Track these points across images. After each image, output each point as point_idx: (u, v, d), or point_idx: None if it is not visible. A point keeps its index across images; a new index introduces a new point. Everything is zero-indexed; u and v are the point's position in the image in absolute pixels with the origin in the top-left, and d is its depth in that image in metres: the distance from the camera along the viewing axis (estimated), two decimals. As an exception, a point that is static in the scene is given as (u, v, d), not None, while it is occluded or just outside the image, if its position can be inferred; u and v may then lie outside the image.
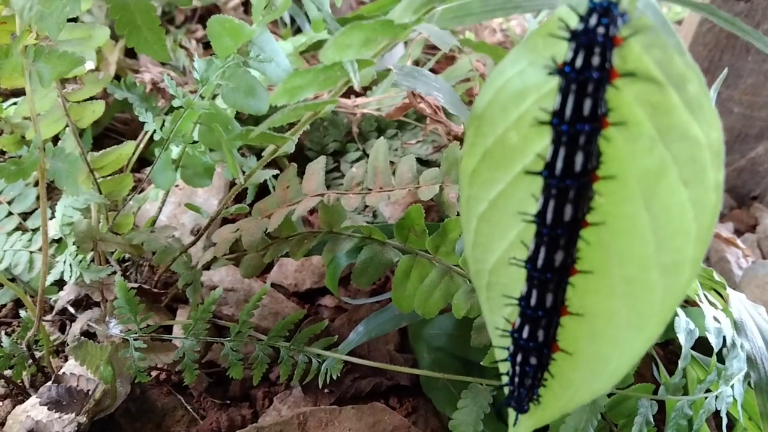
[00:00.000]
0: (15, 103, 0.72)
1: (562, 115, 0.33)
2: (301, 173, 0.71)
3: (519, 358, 0.39)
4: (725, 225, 1.15)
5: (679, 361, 0.62)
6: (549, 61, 0.33)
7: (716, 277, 0.68)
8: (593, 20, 0.32)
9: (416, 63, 1.28)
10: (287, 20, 1.34)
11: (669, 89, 0.33)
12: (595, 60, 0.32)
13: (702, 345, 0.67)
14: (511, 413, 0.42)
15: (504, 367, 0.41)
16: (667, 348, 0.81)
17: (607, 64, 0.32)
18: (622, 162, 0.34)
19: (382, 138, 0.74)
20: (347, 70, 0.42)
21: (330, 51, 0.39)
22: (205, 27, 1.19)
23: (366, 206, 0.75)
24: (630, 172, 0.34)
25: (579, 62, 0.32)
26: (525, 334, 0.38)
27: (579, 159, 0.33)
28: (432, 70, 1.25)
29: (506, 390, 0.41)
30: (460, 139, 0.95)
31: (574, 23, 0.32)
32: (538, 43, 0.36)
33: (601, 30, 0.31)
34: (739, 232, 1.15)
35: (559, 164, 0.34)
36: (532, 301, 0.37)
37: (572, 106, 0.32)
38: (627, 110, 0.34)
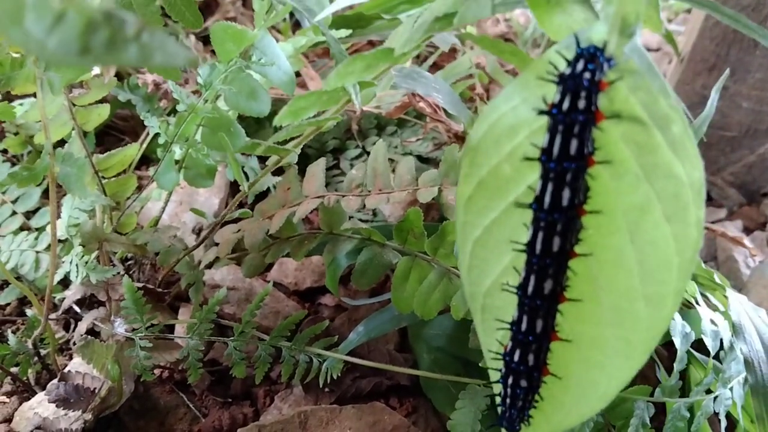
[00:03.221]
0: (21, 104, 0.72)
1: (550, 153, 0.34)
2: (300, 171, 0.71)
3: (510, 380, 0.41)
4: (734, 223, 1.13)
5: (675, 364, 0.63)
6: (540, 100, 0.35)
7: (717, 279, 0.68)
8: (580, 65, 0.33)
9: (418, 57, 1.28)
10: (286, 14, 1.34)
11: (654, 130, 0.34)
12: (581, 103, 0.33)
13: (704, 346, 0.67)
14: None
15: (497, 388, 0.43)
16: (671, 349, 0.82)
17: (593, 108, 0.33)
18: (608, 197, 0.36)
19: (381, 140, 0.74)
20: (349, 92, 0.43)
21: (333, 80, 0.40)
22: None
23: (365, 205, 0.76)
24: (616, 207, 0.36)
25: (566, 105, 0.33)
26: (516, 358, 0.40)
27: (566, 194, 0.35)
28: (435, 64, 1.25)
29: (499, 410, 0.42)
30: (460, 137, 0.95)
31: (563, 67, 0.34)
32: (530, 82, 0.37)
33: (587, 75, 0.33)
34: (748, 230, 1.13)
35: (547, 198, 0.35)
36: (523, 327, 0.39)
37: (559, 145, 0.34)
38: (614, 149, 0.35)
